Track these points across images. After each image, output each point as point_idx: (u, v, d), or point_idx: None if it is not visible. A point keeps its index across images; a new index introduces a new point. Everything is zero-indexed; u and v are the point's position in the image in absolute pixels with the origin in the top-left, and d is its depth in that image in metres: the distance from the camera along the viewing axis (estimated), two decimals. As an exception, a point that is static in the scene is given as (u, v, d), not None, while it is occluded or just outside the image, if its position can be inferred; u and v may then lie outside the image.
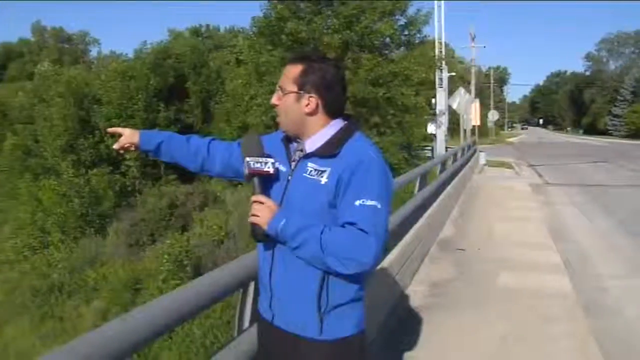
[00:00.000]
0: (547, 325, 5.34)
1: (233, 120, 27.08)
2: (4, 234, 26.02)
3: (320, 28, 22.05)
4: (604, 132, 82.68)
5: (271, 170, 2.26)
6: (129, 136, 2.55)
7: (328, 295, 2.18)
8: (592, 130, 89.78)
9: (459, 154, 16.09)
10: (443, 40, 27.08)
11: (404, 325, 5.28)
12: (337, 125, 2.27)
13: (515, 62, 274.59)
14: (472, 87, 36.44)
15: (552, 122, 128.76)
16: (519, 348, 4.83)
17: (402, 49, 23.76)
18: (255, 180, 2.26)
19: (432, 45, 26.32)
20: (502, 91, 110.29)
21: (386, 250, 5.51)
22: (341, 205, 2.12)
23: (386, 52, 23.40)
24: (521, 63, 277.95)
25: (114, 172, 25.80)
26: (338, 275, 2.13)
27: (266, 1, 22.97)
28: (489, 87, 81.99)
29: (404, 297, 6.01)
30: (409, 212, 6.76)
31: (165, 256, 20.13)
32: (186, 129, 27.36)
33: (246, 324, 2.93)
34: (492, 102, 73.71)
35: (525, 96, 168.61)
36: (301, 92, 2.22)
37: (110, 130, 2.71)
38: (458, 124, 30.56)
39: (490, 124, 50.77)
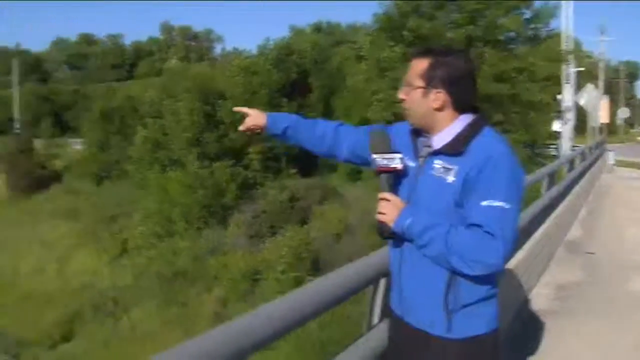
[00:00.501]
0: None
1: (353, 116, 27.55)
2: (133, 222, 27.85)
3: (442, 23, 22.01)
4: None
5: (399, 167, 2.25)
6: (255, 118, 2.57)
7: (456, 294, 2.17)
8: None
9: (586, 153, 15.64)
10: (571, 34, 26.15)
11: (529, 329, 5.17)
12: (465, 120, 2.23)
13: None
14: (601, 83, 34.82)
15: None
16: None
17: (527, 43, 23.21)
18: (383, 177, 2.26)
19: (559, 38, 25.48)
20: (633, 87, 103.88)
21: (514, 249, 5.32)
22: (468, 205, 2.10)
23: (511, 47, 22.96)
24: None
25: (237, 165, 26.92)
26: (465, 275, 2.12)
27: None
28: (618, 82, 77.71)
29: (529, 300, 5.92)
30: (536, 212, 6.70)
31: (285, 249, 20.87)
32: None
33: (375, 320, 2.92)
34: (621, 99, 69.85)
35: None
36: (428, 87, 2.20)
37: (236, 109, 2.76)
38: (584, 122, 29.39)
39: (619, 122, 48.20)
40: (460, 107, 2.23)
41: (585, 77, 37.67)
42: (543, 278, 6.87)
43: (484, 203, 2.06)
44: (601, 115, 25.91)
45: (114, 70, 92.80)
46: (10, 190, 36.82)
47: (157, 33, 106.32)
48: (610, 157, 23.29)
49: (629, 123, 77.55)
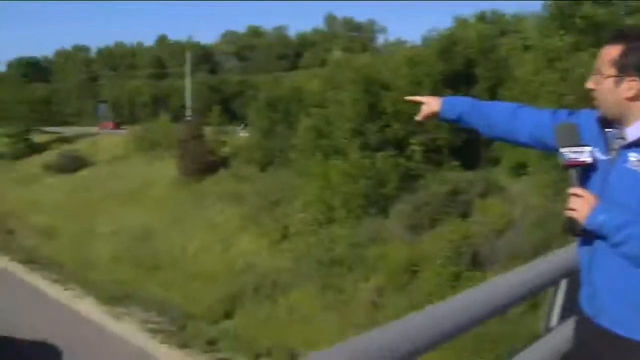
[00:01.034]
0: None
1: (521, 108, 26.70)
2: (295, 208, 28.93)
3: (620, 9, 20.76)
4: None
5: (589, 160, 2.17)
6: (430, 105, 2.60)
7: None
8: None
9: None
10: None
11: None
12: None
13: None
14: None
15: None
16: None
17: None
18: (573, 171, 2.19)
19: None
20: None
21: None
22: None
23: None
24: None
25: (399, 155, 27.09)
26: None
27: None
28: None
29: None
30: None
31: (444, 242, 20.82)
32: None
33: (554, 322, 2.90)
34: None
35: None
36: (620, 75, 2.09)
37: (408, 98, 2.79)
38: None
39: None
40: None
41: None
42: None
43: None
44: None
45: (279, 61, 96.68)
46: (181, 174, 39.52)
47: (320, 25, 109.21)
48: None
49: None
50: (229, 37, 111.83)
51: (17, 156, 65.42)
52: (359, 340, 1.66)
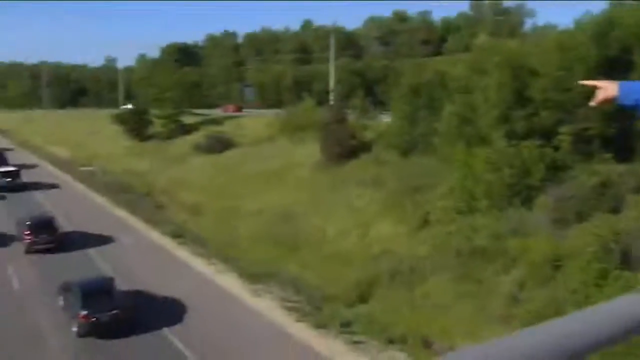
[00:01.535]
0: None
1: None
2: (435, 195, 28.92)
3: None
4: None
5: None
6: (606, 89, 2.47)
7: None
8: None
9: None
10: None
11: None
12: None
13: None
14: None
15: None
16: None
17: None
18: None
19: None
20: None
21: None
22: None
23: None
24: None
25: (546, 145, 26.30)
26: None
27: None
28: None
29: None
30: None
31: (592, 237, 20.05)
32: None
33: None
34: None
35: None
36: None
37: (583, 82, 2.66)
38: None
39: None
40: None
41: None
42: None
43: None
44: None
45: (423, 46, 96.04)
46: (323, 157, 40.52)
47: (466, 9, 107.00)
48: None
49: None
50: (374, 22, 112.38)
51: (169, 136, 69.91)
52: (505, 342, 1.35)
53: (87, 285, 23.38)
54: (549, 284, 20.79)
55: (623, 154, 25.54)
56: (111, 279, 24.86)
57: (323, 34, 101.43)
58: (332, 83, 63.66)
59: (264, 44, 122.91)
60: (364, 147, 40.55)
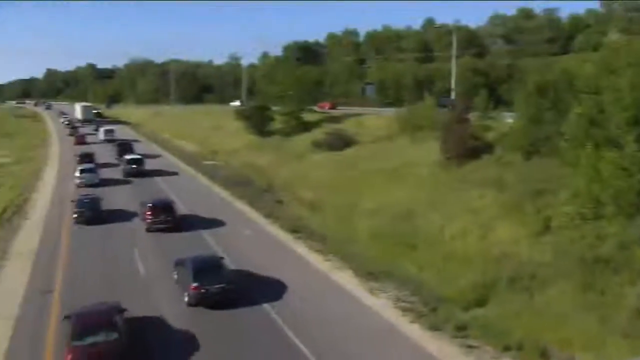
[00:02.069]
0: None
1: None
2: (558, 199, 28.09)
3: None
4: None
5: None
6: None
7: None
8: None
9: None
10: None
11: None
12: None
13: None
14: None
15: None
16: None
17: None
18: None
19: None
20: None
21: None
22: None
23: None
24: None
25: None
26: None
27: None
28: None
29: None
30: None
31: None
32: None
33: None
34: None
35: None
36: None
37: None
38: None
39: None
40: None
41: None
42: None
43: None
44: None
45: (549, 44, 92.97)
46: (443, 157, 40.29)
47: (595, 6, 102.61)
48: None
49: None
50: (498, 19, 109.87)
51: (289, 133, 71.62)
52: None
53: (199, 261, 26.31)
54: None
55: None
56: (221, 258, 27.81)
57: (445, 32, 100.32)
58: (453, 82, 62.91)
59: (385, 42, 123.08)
60: (486, 148, 39.95)
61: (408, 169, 42.61)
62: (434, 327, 22.24)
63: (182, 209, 41.35)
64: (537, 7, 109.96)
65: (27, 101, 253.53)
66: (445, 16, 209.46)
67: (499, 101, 56.26)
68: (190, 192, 50.40)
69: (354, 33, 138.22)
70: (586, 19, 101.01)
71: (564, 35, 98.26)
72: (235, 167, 63.18)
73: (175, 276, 27.28)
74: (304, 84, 79.53)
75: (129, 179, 57.35)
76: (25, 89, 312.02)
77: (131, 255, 32.13)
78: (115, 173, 60.13)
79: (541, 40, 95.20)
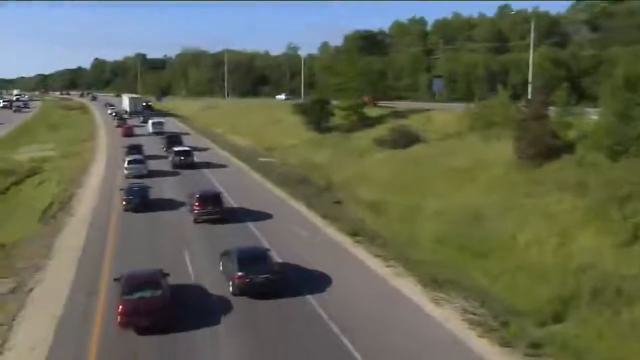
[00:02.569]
0: None
1: None
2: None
3: None
4: None
5: None
6: None
7: None
8: None
9: None
10: None
11: None
12: None
13: None
14: None
15: None
16: None
17: None
18: None
19: None
20: None
21: None
22: None
23: None
24: None
25: None
26: None
27: None
28: None
29: None
30: None
31: None
32: None
33: None
34: None
35: None
36: None
37: None
38: None
39: None
40: None
41: None
42: None
43: None
44: None
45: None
46: (518, 156, 39.38)
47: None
48: None
49: None
50: (582, 3, 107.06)
51: (350, 129, 71.38)
52: None
53: (244, 251, 27.88)
54: None
55: None
56: (266, 249, 29.67)
57: (522, 19, 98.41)
58: (530, 74, 61.58)
59: (455, 31, 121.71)
60: (566, 148, 38.89)
61: (478, 169, 41.88)
62: (505, 343, 21.50)
63: (229, 202, 42.43)
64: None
65: (72, 92, 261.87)
66: (522, 2, 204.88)
67: (581, 96, 54.91)
68: (242, 187, 50.98)
69: (421, 21, 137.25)
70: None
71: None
72: (291, 164, 63.37)
73: (221, 267, 28.61)
74: (366, 76, 79.23)
75: (178, 170, 60.17)
76: (72, 79, 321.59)
77: (180, 251, 32.85)
78: (164, 165, 62.58)
79: (632, 26, 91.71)
